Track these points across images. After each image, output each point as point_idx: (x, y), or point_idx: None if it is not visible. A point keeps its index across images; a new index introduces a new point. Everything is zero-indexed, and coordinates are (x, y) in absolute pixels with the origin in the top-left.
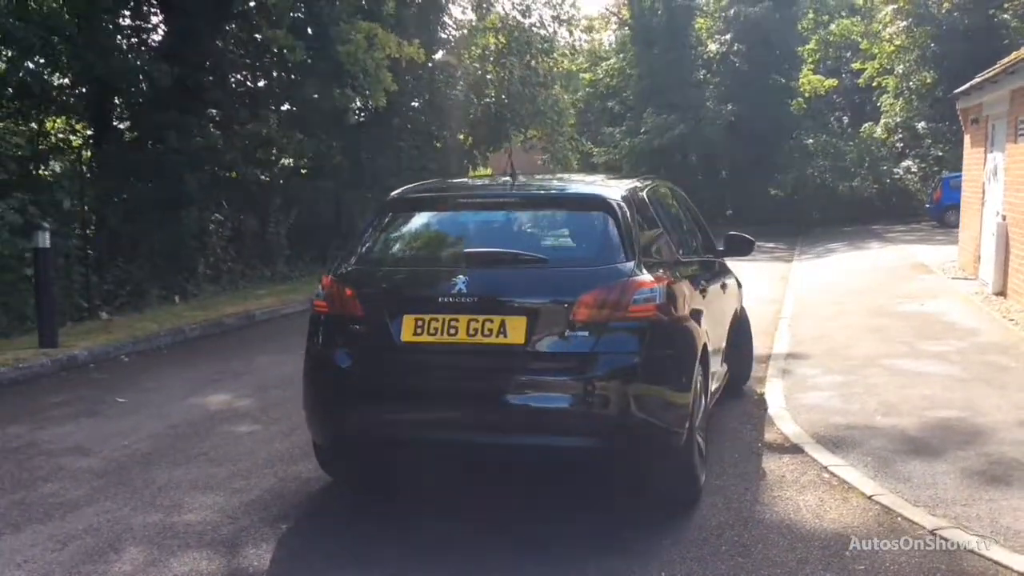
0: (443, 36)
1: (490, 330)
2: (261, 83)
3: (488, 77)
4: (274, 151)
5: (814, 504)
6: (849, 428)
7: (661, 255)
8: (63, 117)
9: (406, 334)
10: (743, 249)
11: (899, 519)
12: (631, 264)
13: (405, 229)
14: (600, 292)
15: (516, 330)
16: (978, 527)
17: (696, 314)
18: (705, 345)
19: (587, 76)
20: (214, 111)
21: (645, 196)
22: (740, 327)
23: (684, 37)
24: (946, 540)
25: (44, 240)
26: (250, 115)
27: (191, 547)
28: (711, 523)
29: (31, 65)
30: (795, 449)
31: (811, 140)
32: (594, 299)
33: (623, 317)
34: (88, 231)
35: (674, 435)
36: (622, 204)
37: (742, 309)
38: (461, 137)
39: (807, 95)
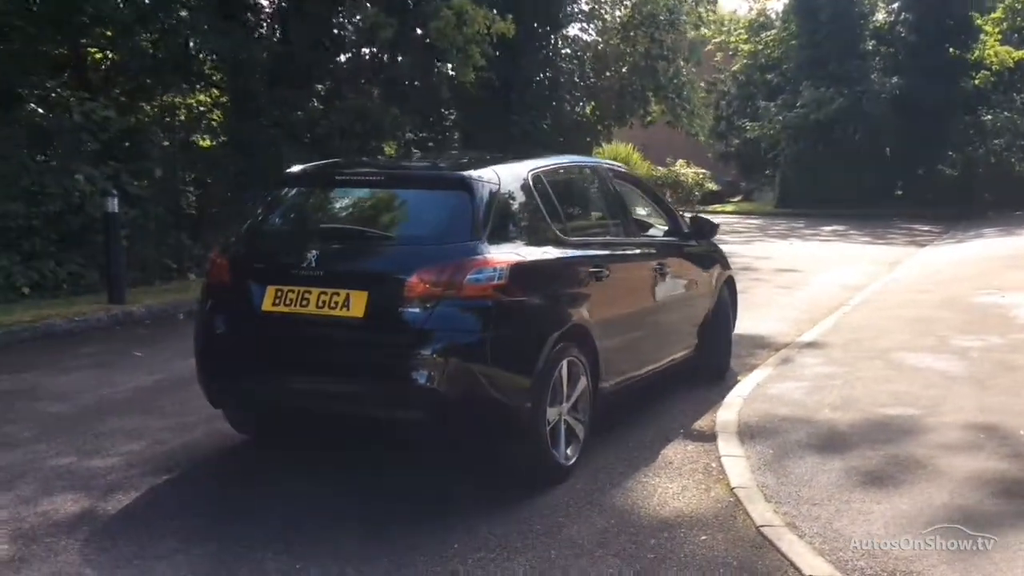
0: (569, 10)
1: (336, 303)
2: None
3: (612, 51)
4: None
5: (672, 491)
6: (785, 420)
7: (535, 235)
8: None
9: (267, 304)
10: (705, 232)
11: (739, 512)
12: (478, 243)
13: (288, 203)
14: (434, 270)
15: (358, 304)
16: (807, 527)
17: (569, 296)
18: (583, 327)
19: (746, 47)
20: (320, 87)
21: (528, 177)
22: (718, 312)
23: (850, 5)
24: (764, 536)
25: (112, 205)
26: (353, 91)
27: (70, 489)
28: (550, 503)
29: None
30: (709, 437)
31: (989, 116)
32: (428, 276)
33: (457, 295)
34: (186, 199)
35: (510, 417)
36: (483, 184)
37: (722, 294)
38: (588, 111)
39: (994, 67)
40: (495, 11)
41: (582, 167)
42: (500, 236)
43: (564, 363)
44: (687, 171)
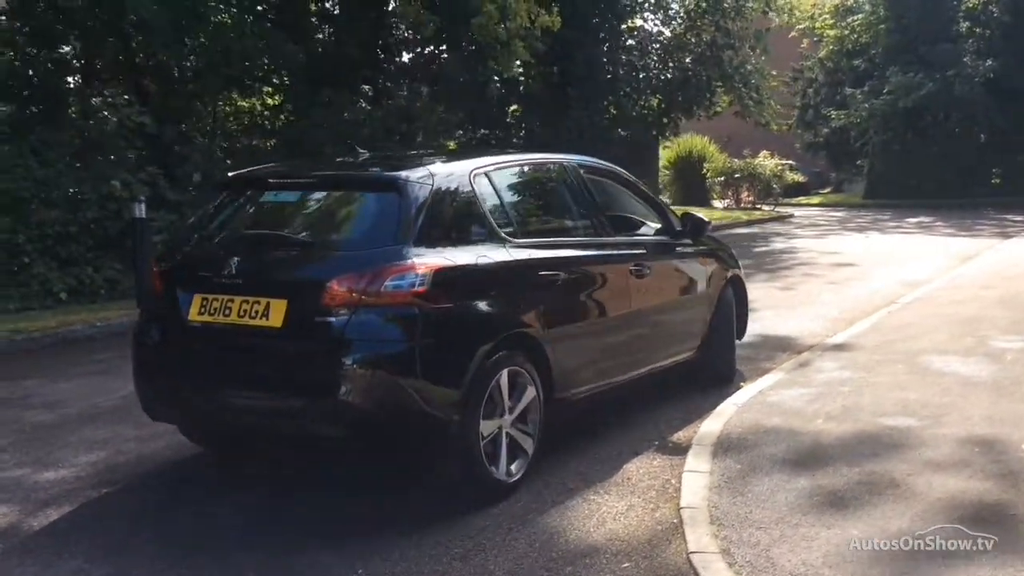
0: (629, 1)
1: (256, 311)
2: (405, 58)
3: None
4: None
5: (616, 512)
6: (771, 432)
7: (475, 238)
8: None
9: (193, 313)
10: (696, 230)
11: (677, 536)
12: (402, 247)
13: (223, 209)
14: (352, 276)
15: (277, 313)
16: (741, 554)
17: (512, 302)
18: (529, 335)
19: (832, 33)
20: (367, 87)
21: (470, 176)
22: (719, 314)
23: None
24: (691, 564)
25: (140, 211)
26: (398, 90)
27: (6, 502)
28: (479, 524)
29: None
30: (682, 450)
31: None
32: (346, 283)
33: (376, 303)
34: None
35: (437, 431)
36: (414, 184)
37: (725, 295)
38: (654, 103)
39: None
40: (541, 8)
41: (542, 164)
42: (431, 239)
43: (504, 373)
44: (766, 162)
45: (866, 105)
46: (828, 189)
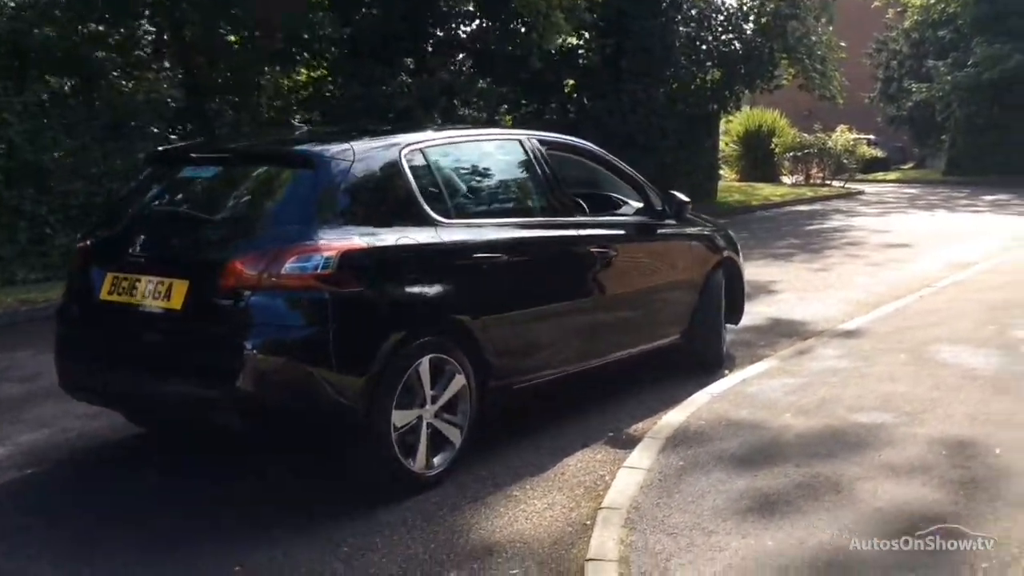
0: None
1: (159, 292)
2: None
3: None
4: (459, 101)
5: (532, 510)
6: (733, 425)
7: (400, 218)
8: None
9: (104, 292)
10: (678, 210)
11: (583, 539)
12: (309, 227)
13: (147, 184)
14: (253, 257)
15: (178, 294)
16: (639, 563)
17: (437, 287)
18: (456, 321)
19: (917, 2)
20: (409, 60)
21: (401, 153)
22: (706, 298)
23: None
24: (583, 573)
25: None
26: (439, 63)
27: None
28: (383, 520)
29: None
30: (633, 442)
31: None
32: (246, 264)
33: (277, 286)
34: None
35: (343, 421)
36: (330, 161)
37: (713, 279)
38: (715, 76)
39: None
40: None
41: (494, 140)
42: (346, 219)
43: (425, 361)
44: (838, 137)
45: (949, 78)
46: (910, 165)
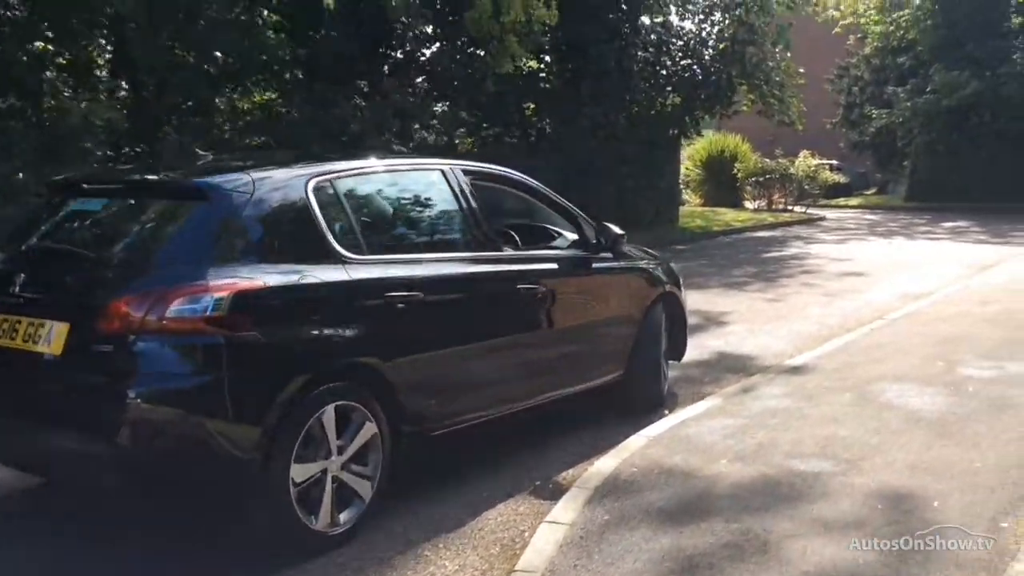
0: None
1: (39, 335)
2: (399, 54)
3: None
4: (416, 125)
5: (445, 573)
6: (665, 473)
7: (303, 255)
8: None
9: None
10: (612, 243)
11: None
12: (199, 265)
13: (40, 217)
14: (136, 298)
15: (59, 338)
16: None
17: (343, 329)
18: (366, 365)
19: (877, 29)
20: (363, 83)
21: (307, 185)
22: (643, 335)
23: None
24: None
25: None
26: (394, 86)
27: None
28: None
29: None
30: (559, 493)
31: None
32: (128, 306)
33: (163, 330)
34: None
35: (233, 477)
36: (227, 194)
37: (652, 315)
38: (671, 101)
39: None
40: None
41: (413, 171)
42: (241, 257)
43: (329, 409)
44: (799, 163)
45: (908, 104)
46: (872, 190)
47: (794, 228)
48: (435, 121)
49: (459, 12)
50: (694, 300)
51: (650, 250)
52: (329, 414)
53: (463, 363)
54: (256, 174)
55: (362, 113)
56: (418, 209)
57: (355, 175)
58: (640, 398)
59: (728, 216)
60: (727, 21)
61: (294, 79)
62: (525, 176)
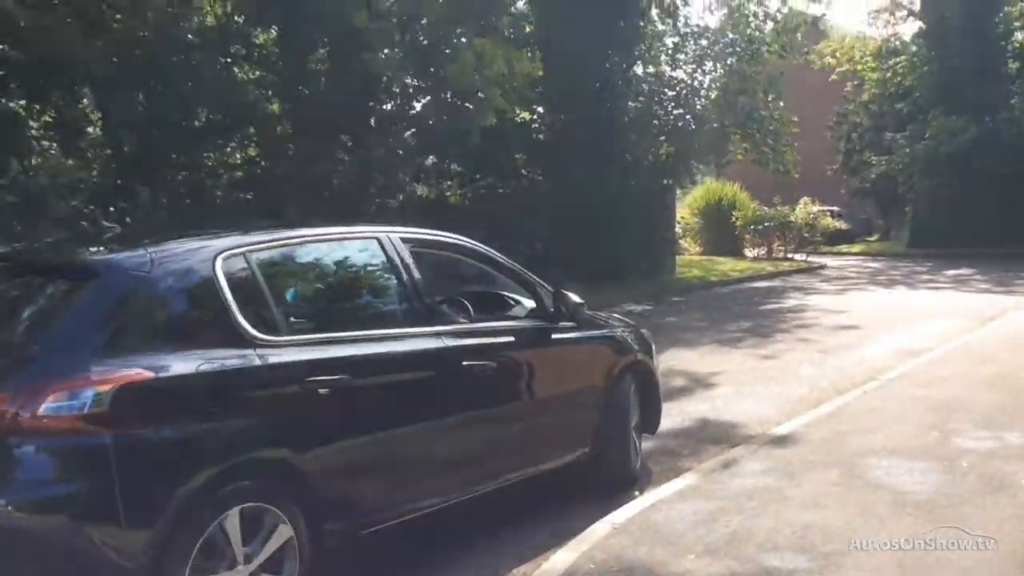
0: (641, 47)
1: None
2: (388, 107)
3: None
4: (400, 176)
5: None
6: (626, 571)
7: (208, 339)
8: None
9: None
10: (573, 312)
11: None
12: (79, 356)
13: None
14: (4, 395)
15: None
16: None
17: (252, 420)
18: (280, 461)
19: (873, 75)
20: (347, 137)
21: (215, 260)
22: (610, 409)
23: (988, 25)
24: None
25: None
26: (380, 140)
27: None
28: None
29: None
30: None
31: None
32: None
33: (34, 429)
34: None
35: None
36: (120, 273)
37: (619, 387)
38: (664, 151)
39: None
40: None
41: (342, 240)
42: (133, 343)
43: (233, 513)
44: (799, 210)
45: (908, 150)
46: (875, 237)
47: (793, 278)
48: (422, 174)
49: (443, 66)
50: (684, 359)
51: (619, 316)
52: (233, 518)
53: (399, 450)
54: (156, 249)
55: (345, 168)
56: (349, 282)
57: (275, 247)
58: (610, 477)
59: (726, 266)
60: (719, 70)
61: (278, 134)
62: (473, 242)
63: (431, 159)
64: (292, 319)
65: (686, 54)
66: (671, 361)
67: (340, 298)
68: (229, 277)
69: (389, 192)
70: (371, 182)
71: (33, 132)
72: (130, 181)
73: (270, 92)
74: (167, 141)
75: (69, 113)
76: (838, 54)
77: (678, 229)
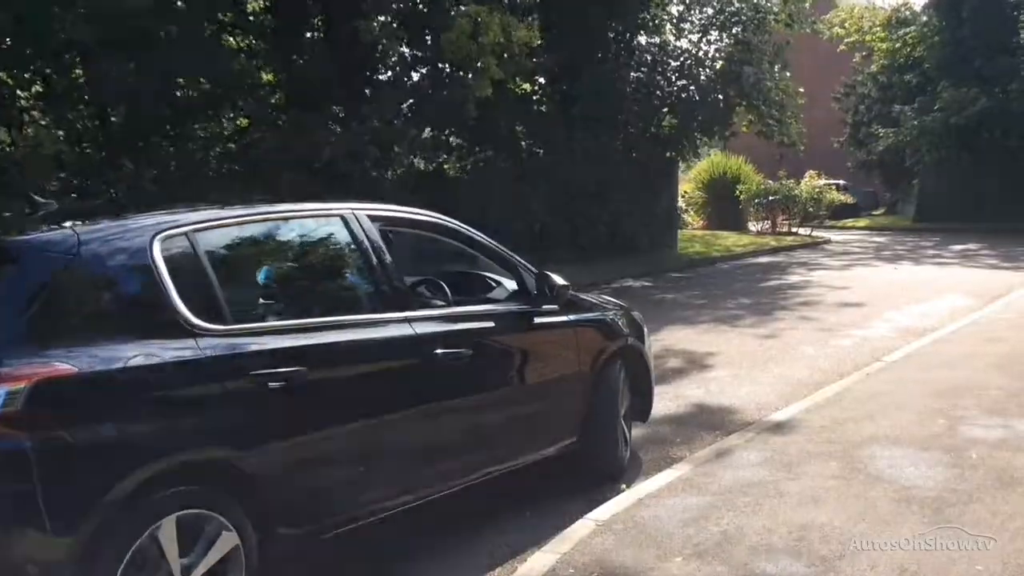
0: (642, 17)
1: None
2: (384, 78)
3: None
4: (395, 148)
5: None
6: (608, 574)
7: (145, 329)
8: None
9: None
10: (556, 295)
11: None
12: None
13: None
14: None
15: None
16: None
17: (192, 418)
18: (222, 462)
19: (883, 46)
20: (339, 108)
21: (153, 242)
22: (598, 398)
23: None
24: None
25: None
26: (374, 112)
27: None
28: None
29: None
30: None
31: None
32: None
33: None
34: None
35: None
36: (42, 257)
37: (607, 375)
38: (667, 123)
39: None
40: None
41: (302, 217)
42: (55, 334)
43: (167, 521)
44: (804, 184)
45: (915, 123)
46: (881, 210)
47: (797, 252)
48: (417, 147)
49: (437, 34)
50: (680, 337)
51: (609, 298)
52: (168, 527)
53: (363, 447)
54: (85, 229)
55: (336, 139)
56: (307, 265)
57: (224, 226)
58: (596, 468)
59: (729, 240)
60: (724, 40)
61: (267, 105)
62: (449, 219)
63: (428, 131)
64: (241, 306)
65: (691, 23)
66: (667, 340)
67: (297, 282)
68: (168, 260)
69: (383, 165)
70: (364, 155)
71: (21, 103)
72: (116, 154)
73: (261, 61)
74: (154, 112)
75: (59, 83)
76: (847, 24)
77: (681, 203)
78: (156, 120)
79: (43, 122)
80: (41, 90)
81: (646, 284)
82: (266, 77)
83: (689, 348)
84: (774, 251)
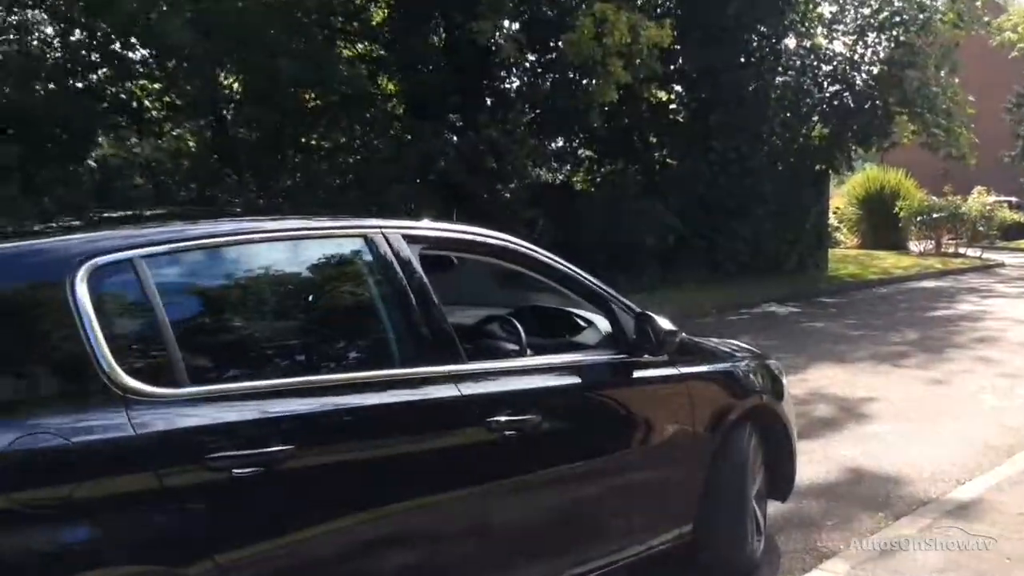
0: (792, 17)
1: None
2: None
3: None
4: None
5: None
6: None
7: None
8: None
9: None
10: (660, 342)
11: None
12: None
13: None
14: None
15: None
16: None
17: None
18: None
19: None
20: (455, 116)
21: (83, 273)
22: (721, 470)
23: None
24: None
25: None
26: (490, 121)
27: None
28: None
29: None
30: None
31: None
32: None
33: None
34: None
35: None
36: None
37: (733, 446)
38: (818, 132)
39: None
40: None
41: (308, 237)
42: None
43: None
44: (972, 201)
45: None
46: None
47: (966, 277)
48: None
49: (558, 37)
50: (832, 378)
51: (738, 343)
52: None
53: (371, 559)
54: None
55: (451, 150)
56: (305, 303)
57: (188, 248)
58: (717, 566)
59: (887, 262)
60: (883, 42)
61: (385, 113)
62: (518, 240)
63: (558, 142)
64: (207, 360)
65: (845, 24)
66: (815, 381)
67: (289, 327)
68: (98, 295)
69: (501, 176)
70: (480, 165)
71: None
72: (227, 162)
73: (379, 70)
74: (267, 121)
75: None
76: (1020, 28)
77: (832, 220)
78: (258, 129)
79: (175, 132)
80: (170, 100)
81: (792, 310)
82: (389, 86)
83: (842, 392)
84: (940, 275)
